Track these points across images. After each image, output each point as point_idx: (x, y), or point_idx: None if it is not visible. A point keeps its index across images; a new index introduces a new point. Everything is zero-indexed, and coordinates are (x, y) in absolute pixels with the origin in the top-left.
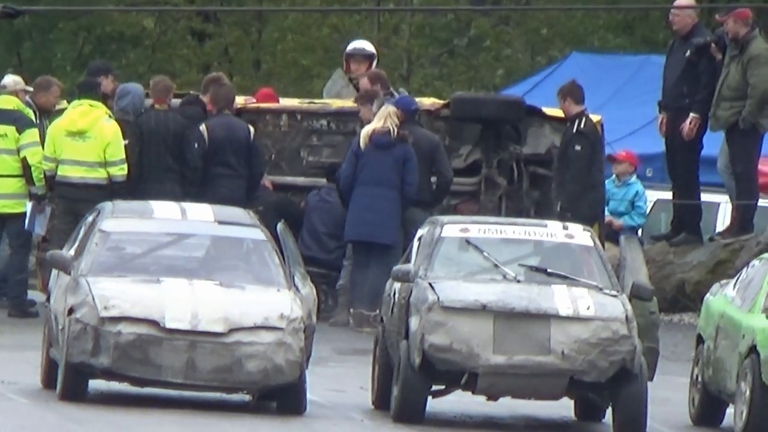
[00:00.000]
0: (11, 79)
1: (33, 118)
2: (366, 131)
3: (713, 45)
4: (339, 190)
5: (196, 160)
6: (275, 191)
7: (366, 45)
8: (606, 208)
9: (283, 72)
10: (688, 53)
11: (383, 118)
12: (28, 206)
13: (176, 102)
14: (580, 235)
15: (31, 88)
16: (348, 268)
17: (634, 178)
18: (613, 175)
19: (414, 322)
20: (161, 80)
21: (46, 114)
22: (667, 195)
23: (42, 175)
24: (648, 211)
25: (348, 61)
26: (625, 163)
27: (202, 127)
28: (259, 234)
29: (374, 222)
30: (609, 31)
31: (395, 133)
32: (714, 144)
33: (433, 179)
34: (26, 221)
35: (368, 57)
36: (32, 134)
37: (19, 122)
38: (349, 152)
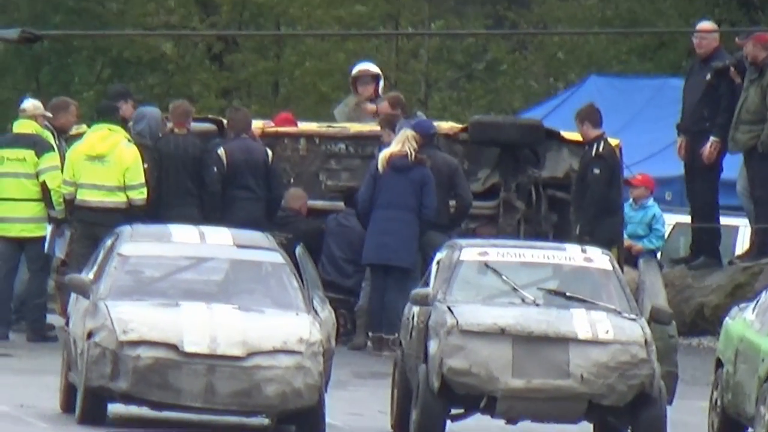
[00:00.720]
0: (31, 104)
1: (52, 141)
2: (384, 154)
3: (732, 68)
4: (357, 214)
5: (215, 184)
6: (308, 217)
7: (371, 66)
8: (624, 232)
9: (301, 96)
10: (708, 77)
11: (401, 142)
12: (47, 230)
13: (195, 125)
14: (599, 258)
15: (50, 114)
16: (366, 290)
17: (650, 201)
18: (630, 199)
19: (433, 346)
20: (181, 104)
21: (64, 135)
22: (687, 218)
23: (61, 199)
24: (667, 235)
25: (355, 83)
26: (641, 187)
27: (221, 151)
28: (277, 257)
29: (391, 245)
30: (631, 55)
31: (413, 156)
32: (734, 167)
33: (452, 203)
34: (46, 245)
35: (374, 77)
36: (51, 158)
37: (38, 146)
38: (367, 175)
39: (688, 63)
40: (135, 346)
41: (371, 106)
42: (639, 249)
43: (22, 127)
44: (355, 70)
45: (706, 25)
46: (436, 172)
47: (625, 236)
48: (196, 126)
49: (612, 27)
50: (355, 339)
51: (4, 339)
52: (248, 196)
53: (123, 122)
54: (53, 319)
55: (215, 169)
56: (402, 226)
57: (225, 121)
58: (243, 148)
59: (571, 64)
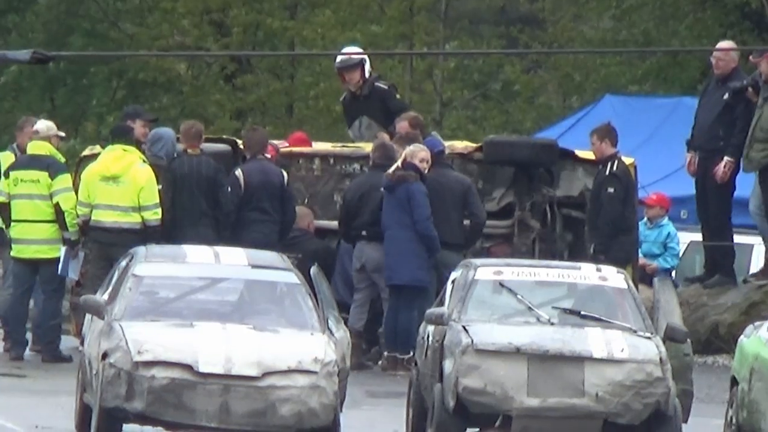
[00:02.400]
0: (44, 125)
1: (64, 163)
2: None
3: (750, 89)
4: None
5: (230, 205)
6: (315, 237)
7: (351, 53)
8: (639, 250)
9: (315, 118)
10: (725, 96)
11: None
12: (61, 251)
13: (207, 146)
14: (614, 277)
15: (63, 134)
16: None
17: (665, 219)
18: (645, 218)
19: (448, 365)
20: (192, 124)
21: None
22: (701, 237)
23: (75, 221)
24: (682, 253)
25: (341, 74)
26: (656, 206)
27: (238, 172)
28: (292, 278)
29: (390, 264)
30: (646, 79)
31: (392, 175)
32: (746, 185)
33: (467, 222)
34: (60, 266)
35: (358, 64)
36: (64, 180)
37: (52, 168)
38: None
39: (702, 83)
40: (150, 367)
41: (386, 135)
42: (654, 268)
43: (35, 148)
44: (337, 61)
45: (724, 44)
46: (449, 192)
47: (640, 255)
48: (209, 146)
49: (625, 46)
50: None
51: (20, 360)
52: (263, 218)
53: (136, 143)
54: (68, 340)
55: (229, 189)
56: (397, 245)
57: (239, 142)
58: (260, 169)
59: (585, 87)
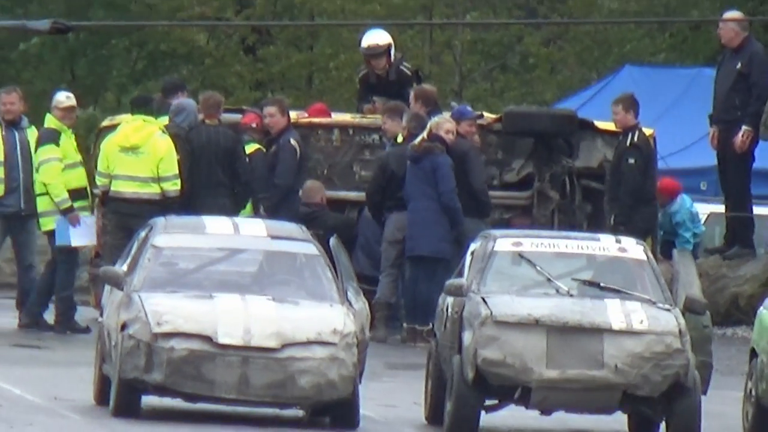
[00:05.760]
0: (64, 96)
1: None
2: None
3: None
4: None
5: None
6: (332, 210)
7: (379, 40)
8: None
9: (335, 89)
10: (738, 65)
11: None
12: (91, 220)
13: (227, 117)
14: (633, 248)
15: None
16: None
17: (675, 206)
18: None
19: (467, 337)
20: (211, 95)
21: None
22: (721, 208)
23: (57, 190)
24: (702, 223)
25: (367, 60)
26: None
27: (293, 141)
28: (311, 249)
29: (413, 235)
30: (668, 51)
31: (419, 146)
32: (766, 156)
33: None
34: (56, 236)
35: (384, 52)
36: (46, 150)
37: (40, 139)
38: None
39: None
40: (169, 338)
41: (368, 107)
42: None
43: (47, 121)
44: (363, 46)
45: (729, 14)
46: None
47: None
48: (230, 117)
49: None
50: (376, 332)
51: (39, 329)
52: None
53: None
54: (87, 311)
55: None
56: (421, 216)
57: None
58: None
59: (604, 59)
